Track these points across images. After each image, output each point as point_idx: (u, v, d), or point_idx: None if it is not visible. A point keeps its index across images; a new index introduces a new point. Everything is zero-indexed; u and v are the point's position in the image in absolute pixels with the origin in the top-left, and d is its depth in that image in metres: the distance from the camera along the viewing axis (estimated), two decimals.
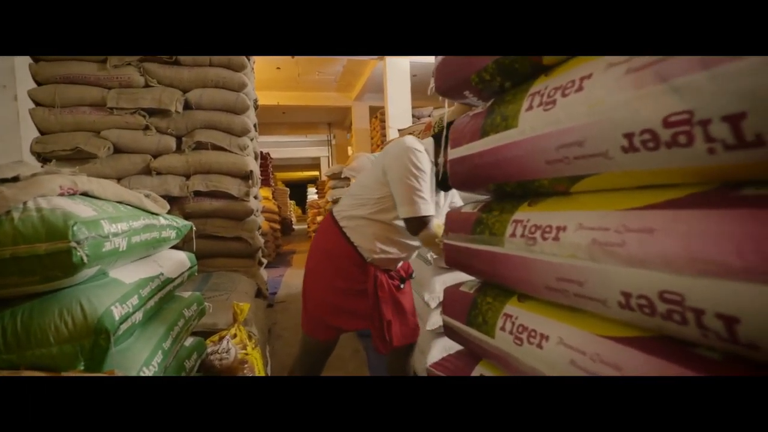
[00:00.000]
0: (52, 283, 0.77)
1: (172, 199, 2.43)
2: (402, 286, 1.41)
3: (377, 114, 6.73)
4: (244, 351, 1.68)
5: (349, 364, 2.53)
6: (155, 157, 2.40)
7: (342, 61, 6.23)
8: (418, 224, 1.17)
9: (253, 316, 2.01)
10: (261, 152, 6.58)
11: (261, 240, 2.82)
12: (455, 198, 1.49)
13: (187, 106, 2.44)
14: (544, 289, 0.56)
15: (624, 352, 0.44)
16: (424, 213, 1.14)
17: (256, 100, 3.13)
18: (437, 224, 1.16)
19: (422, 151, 1.19)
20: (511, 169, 0.62)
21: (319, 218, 6.56)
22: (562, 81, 0.52)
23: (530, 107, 0.57)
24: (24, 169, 0.90)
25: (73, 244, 0.73)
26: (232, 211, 2.54)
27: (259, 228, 2.92)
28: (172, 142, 2.41)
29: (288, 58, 5.22)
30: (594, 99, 0.45)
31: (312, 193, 10.10)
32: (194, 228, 1.52)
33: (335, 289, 1.36)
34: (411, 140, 1.20)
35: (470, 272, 0.80)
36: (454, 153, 0.79)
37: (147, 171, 2.37)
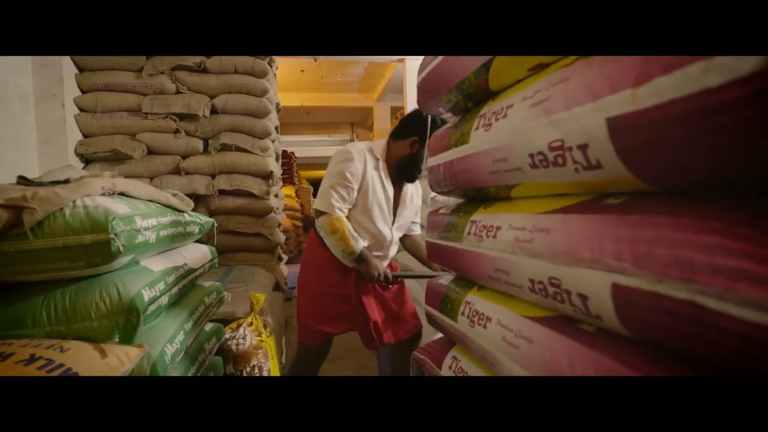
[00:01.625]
0: (94, 269, 0.93)
1: (198, 197, 2.63)
2: (390, 286, 1.49)
3: (398, 114, 6.85)
4: (259, 338, 1.83)
5: (360, 354, 2.67)
6: (184, 158, 2.60)
7: (363, 63, 6.37)
8: (317, 214, 1.35)
9: (269, 307, 2.17)
10: (285, 151, 6.81)
11: (281, 236, 2.99)
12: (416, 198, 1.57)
13: (213, 110, 2.64)
14: (487, 278, 0.67)
15: (535, 329, 0.55)
16: (321, 207, 1.31)
17: (278, 104, 3.30)
18: (335, 219, 1.30)
19: (350, 159, 1.30)
20: (467, 178, 0.73)
21: None
22: (497, 107, 0.63)
23: (477, 127, 0.68)
24: (73, 173, 1.08)
25: (112, 236, 0.89)
26: (253, 209, 2.72)
27: (280, 225, 3.09)
28: (199, 144, 2.60)
29: (311, 61, 5.39)
30: (512, 125, 0.56)
31: None
32: (216, 224, 1.69)
33: (320, 295, 1.44)
34: (351, 146, 1.33)
35: (443, 265, 0.92)
36: (430, 161, 0.90)
37: (176, 171, 2.57)
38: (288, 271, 3.57)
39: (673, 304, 0.34)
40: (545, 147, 0.49)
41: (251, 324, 1.79)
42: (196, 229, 1.47)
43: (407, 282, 1.65)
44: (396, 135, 1.35)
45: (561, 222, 0.50)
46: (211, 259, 1.58)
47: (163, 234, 1.17)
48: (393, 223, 1.44)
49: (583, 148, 0.43)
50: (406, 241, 1.58)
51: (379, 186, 1.34)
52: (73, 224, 0.89)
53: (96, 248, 0.89)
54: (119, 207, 0.98)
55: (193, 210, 2.58)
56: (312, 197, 10.57)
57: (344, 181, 1.31)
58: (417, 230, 1.59)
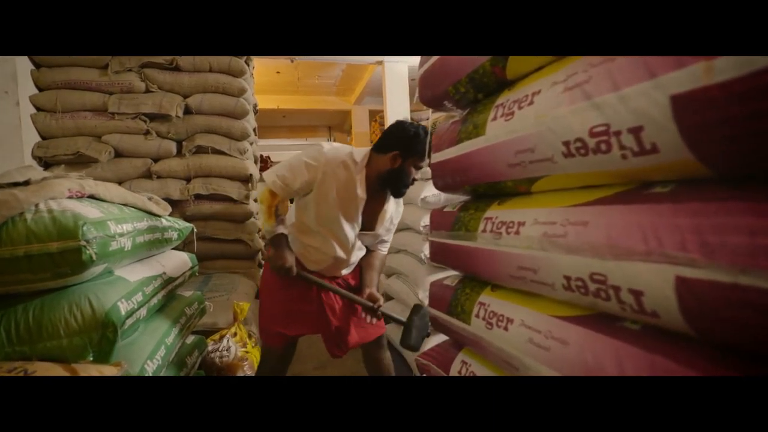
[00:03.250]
0: (63, 280, 0.83)
1: (172, 203, 2.48)
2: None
3: (377, 117, 6.78)
4: (244, 349, 1.74)
5: (346, 363, 2.58)
6: (156, 161, 2.46)
7: (341, 65, 6.28)
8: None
9: (253, 316, 2.07)
10: (261, 156, 6.65)
11: (261, 242, 2.88)
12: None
13: (187, 110, 2.51)
14: (508, 277, 0.62)
15: (569, 329, 0.50)
16: (264, 176, 1.30)
17: (255, 105, 3.19)
18: (268, 191, 1.28)
19: (316, 159, 1.25)
20: (481, 172, 0.68)
21: None
22: (519, 95, 0.59)
23: (495, 117, 0.63)
24: (34, 173, 0.97)
25: (83, 242, 0.79)
26: (231, 214, 2.60)
27: (260, 230, 2.98)
28: (172, 147, 2.47)
29: (287, 62, 5.27)
30: (540, 112, 0.52)
31: None
32: (195, 230, 1.58)
33: (283, 295, 1.36)
34: (330, 149, 1.28)
35: (451, 266, 0.86)
36: (435, 157, 0.85)
37: (148, 175, 2.43)
38: None
39: (761, 297, 0.30)
40: (585, 133, 0.44)
41: (235, 335, 1.69)
42: (175, 235, 1.37)
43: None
44: (377, 148, 1.30)
45: (600, 214, 0.46)
46: (191, 267, 1.48)
47: (139, 240, 1.07)
48: (360, 230, 1.36)
49: (635, 131, 0.39)
50: (364, 255, 1.51)
51: (351, 188, 1.26)
52: (37, 230, 0.78)
53: (64, 257, 0.79)
54: (90, 211, 0.88)
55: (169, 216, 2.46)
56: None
57: (295, 171, 1.25)
58: (383, 250, 1.51)
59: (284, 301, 1.35)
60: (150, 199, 1.31)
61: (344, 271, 1.44)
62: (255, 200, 2.93)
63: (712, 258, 0.34)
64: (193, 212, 2.51)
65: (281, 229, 1.31)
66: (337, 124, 9.72)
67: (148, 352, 0.98)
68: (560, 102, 0.48)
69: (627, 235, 0.41)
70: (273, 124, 9.17)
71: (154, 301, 1.10)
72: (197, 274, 1.59)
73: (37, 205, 0.83)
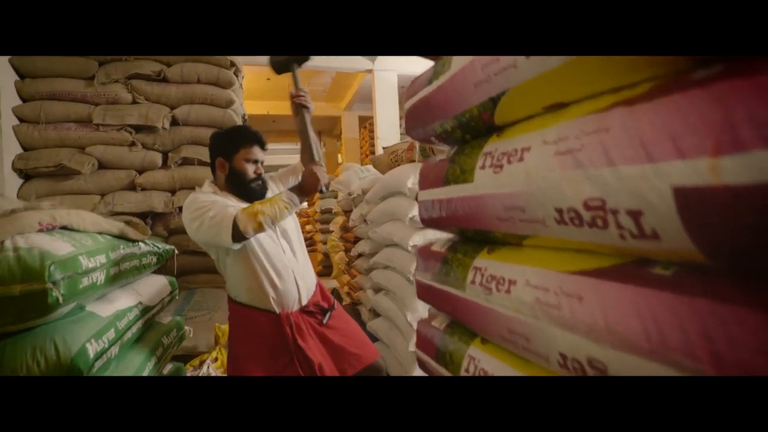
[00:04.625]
0: (26, 323, 0.78)
1: (156, 215, 2.43)
2: (325, 320, 1.32)
3: (366, 124, 6.76)
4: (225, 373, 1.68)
5: None
6: (140, 172, 2.40)
7: (331, 73, 6.27)
8: (235, 236, 1.13)
9: None
10: None
11: None
12: None
13: (174, 122, 2.46)
14: (499, 337, 0.59)
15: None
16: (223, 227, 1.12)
17: (244, 115, 3.14)
18: (241, 212, 1.13)
19: (192, 202, 1.18)
20: (469, 219, 0.65)
21: (308, 227, 6.55)
22: (508, 147, 0.56)
23: (483, 166, 0.60)
24: (4, 204, 0.92)
25: (49, 285, 0.74)
26: None
27: None
28: (157, 158, 2.41)
29: None
30: (531, 171, 0.49)
31: None
32: (176, 251, 1.53)
33: (255, 357, 1.23)
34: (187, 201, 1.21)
35: (437, 309, 0.83)
36: (422, 195, 0.82)
37: (131, 186, 2.37)
38: None
39: None
40: (579, 203, 0.42)
41: (216, 360, 1.64)
42: (154, 260, 1.32)
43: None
44: (211, 169, 1.31)
45: (596, 289, 0.43)
46: (171, 292, 1.42)
47: (113, 272, 1.02)
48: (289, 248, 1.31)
49: (634, 214, 0.36)
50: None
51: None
52: (0, 272, 0.73)
53: (28, 301, 0.74)
54: (59, 246, 0.83)
55: (151, 228, 2.39)
56: None
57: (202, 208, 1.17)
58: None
59: (261, 361, 1.22)
60: (128, 223, 1.26)
61: (308, 293, 1.34)
62: None
63: (721, 369, 0.31)
64: (177, 225, 2.45)
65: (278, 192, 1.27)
66: (327, 129, 9.69)
67: None
68: (552, 166, 0.46)
69: (627, 322, 0.38)
70: (263, 128, 9.11)
71: (128, 335, 1.05)
72: (177, 297, 1.54)
73: (2, 243, 0.78)
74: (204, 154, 2.49)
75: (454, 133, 0.73)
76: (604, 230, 0.41)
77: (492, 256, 0.65)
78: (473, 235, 0.71)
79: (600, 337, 0.41)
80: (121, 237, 1.14)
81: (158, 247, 1.38)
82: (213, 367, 1.55)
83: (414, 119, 0.82)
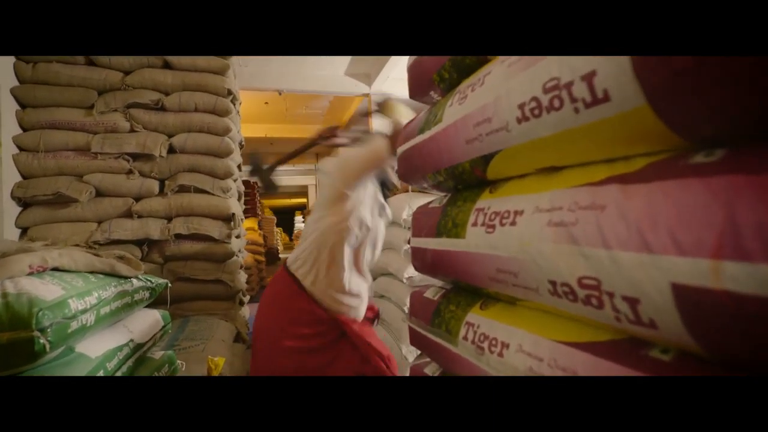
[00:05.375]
0: (13, 370, 0.77)
1: (152, 243, 2.43)
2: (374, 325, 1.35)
3: None
4: None
5: None
6: (137, 200, 2.41)
7: (329, 97, 6.37)
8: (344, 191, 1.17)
9: (229, 368, 1.98)
10: (248, 181, 6.60)
11: (243, 280, 2.81)
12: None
13: (171, 150, 2.48)
14: None
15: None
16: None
17: (241, 142, 3.18)
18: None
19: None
20: (462, 273, 0.65)
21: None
22: (500, 207, 0.57)
23: (475, 223, 0.61)
24: None
25: (36, 333, 0.74)
26: (212, 254, 2.54)
27: (242, 266, 2.91)
28: (155, 186, 2.42)
29: (275, 94, 5.33)
30: (524, 238, 0.49)
31: (299, 221, 10.09)
32: (170, 285, 1.52)
33: (286, 350, 1.23)
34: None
35: (430, 358, 0.83)
36: (414, 242, 0.83)
37: (128, 214, 2.37)
38: (250, 312, 3.36)
39: None
40: (573, 280, 0.42)
41: None
42: (147, 295, 1.32)
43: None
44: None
45: (590, 366, 0.43)
46: (163, 326, 1.41)
47: (104, 312, 1.02)
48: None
49: (631, 301, 0.37)
50: None
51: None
52: None
53: (15, 348, 0.73)
54: (49, 290, 0.83)
55: (147, 255, 2.38)
56: (275, 227, 10.24)
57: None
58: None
59: (292, 355, 1.23)
60: (121, 258, 1.26)
61: None
62: (237, 237, 2.87)
63: None
64: (173, 252, 2.45)
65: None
66: (325, 151, 9.77)
67: None
68: (546, 237, 0.46)
69: None
70: (261, 150, 9.19)
71: (119, 374, 1.03)
72: (170, 331, 1.52)
73: None
74: (200, 181, 2.50)
75: (447, 183, 0.74)
76: (599, 310, 0.41)
77: (485, 313, 0.65)
78: (466, 287, 0.72)
79: None
80: (113, 274, 1.14)
81: (151, 282, 1.38)
82: None
83: (406, 167, 0.84)
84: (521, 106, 0.47)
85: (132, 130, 2.39)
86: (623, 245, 0.37)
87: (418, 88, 0.82)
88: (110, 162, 2.30)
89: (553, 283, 0.46)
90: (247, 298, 3.24)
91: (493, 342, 0.59)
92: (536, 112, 0.45)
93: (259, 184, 1.46)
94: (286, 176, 9.21)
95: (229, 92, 2.64)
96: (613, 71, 0.36)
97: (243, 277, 2.85)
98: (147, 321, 1.31)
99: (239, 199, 3.12)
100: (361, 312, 1.34)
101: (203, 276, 2.52)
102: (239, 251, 2.85)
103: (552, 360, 0.48)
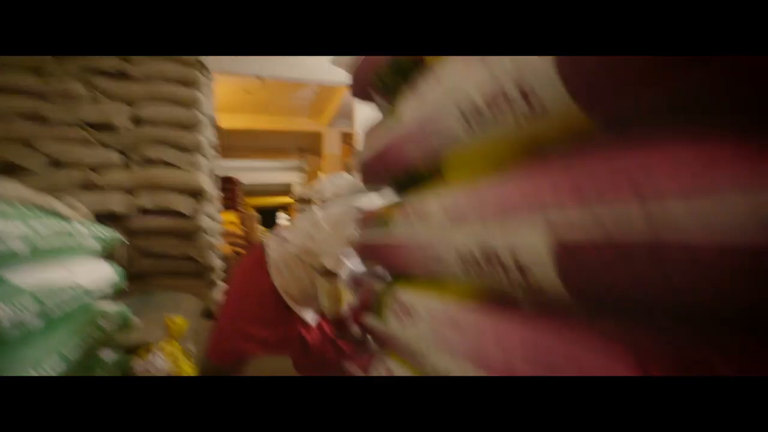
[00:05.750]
0: None
1: (115, 217, 2.34)
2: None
3: (347, 140, 6.78)
4: (175, 365, 1.58)
5: None
6: (98, 172, 2.32)
7: (313, 87, 6.27)
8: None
9: (194, 335, 1.92)
10: (230, 178, 6.49)
11: (214, 259, 2.73)
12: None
13: (136, 120, 2.40)
14: None
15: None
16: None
17: (213, 118, 3.10)
18: None
19: None
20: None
21: None
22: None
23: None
24: None
25: None
26: (181, 230, 2.46)
27: (213, 248, 2.83)
28: (116, 157, 2.34)
29: (256, 82, 5.19)
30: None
31: (282, 218, 9.96)
32: (126, 242, 1.46)
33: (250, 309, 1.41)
34: None
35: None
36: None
37: (88, 186, 2.28)
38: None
39: None
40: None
41: (164, 349, 1.54)
42: (95, 244, 1.25)
43: None
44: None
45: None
46: (115, 281, 1.35)
47: (42, 245, 0.96)
48: None
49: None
50: None
51: None
52: None
53: None
54: None
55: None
56: (257, 224, 10.07)
57: None
58: None
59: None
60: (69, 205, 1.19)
61: None
62: (210, 217, 2.79)
63: None
64: (139, 227, 2.37)
65: None
66: (310, 146, 9.65)
67: (33, 360, 0.86)
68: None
69: None
70: (242, 144, 9.03)
71: (57, 311, 0.98)
72: (125, 288, 1.46)
73: None
74: (169, 154, 2.43)
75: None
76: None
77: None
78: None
79: None
80: (52, 212, 1.07)
81: (102, 233, 1.31)
82: (161, 356, 1.46)
83: (369, 171, 0.86)
84: (463, 111, 0.47)
85: (91, 99, 2.30)
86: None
87: (359, 89, 0.87)
88: (65, 130, 2.20)
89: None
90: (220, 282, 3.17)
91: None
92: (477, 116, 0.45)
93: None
94: (270, 172, 9.07)
95: (199, 62, 2.56)
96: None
97: (215, 258, 2.77)
98: (95, 270, 1.25)
99: (212, 178, 3.05)
100: None
101: (171, 252, 2.44)
102: (213, 233, 2.77)
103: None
